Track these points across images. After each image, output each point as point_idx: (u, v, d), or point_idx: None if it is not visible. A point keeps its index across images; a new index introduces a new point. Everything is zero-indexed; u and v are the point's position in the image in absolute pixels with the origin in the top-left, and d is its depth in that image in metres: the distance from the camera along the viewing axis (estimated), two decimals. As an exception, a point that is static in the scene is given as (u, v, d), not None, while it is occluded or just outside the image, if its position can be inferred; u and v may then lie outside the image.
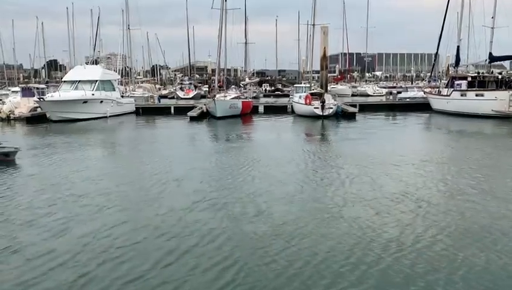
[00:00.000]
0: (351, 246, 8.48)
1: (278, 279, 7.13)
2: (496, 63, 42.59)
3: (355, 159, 17.48)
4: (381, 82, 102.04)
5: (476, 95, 35.23)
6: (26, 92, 39.28)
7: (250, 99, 43.31)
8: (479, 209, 10.73)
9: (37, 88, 41.81)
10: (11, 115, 35.36)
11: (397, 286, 6.92)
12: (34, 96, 37.05)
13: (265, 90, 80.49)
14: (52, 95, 34.73)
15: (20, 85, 50.04)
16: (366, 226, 9.52)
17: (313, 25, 44.70)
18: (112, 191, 12.66)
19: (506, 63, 75.63)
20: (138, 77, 77.96)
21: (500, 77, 36.89)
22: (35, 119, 33.98)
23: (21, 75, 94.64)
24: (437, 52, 47.44)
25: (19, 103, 36.97)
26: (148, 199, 11.76)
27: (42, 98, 34.06)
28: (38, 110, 35.02)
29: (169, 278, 7.13)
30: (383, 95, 61.88)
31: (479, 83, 36.43)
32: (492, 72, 38.45)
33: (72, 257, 7.93)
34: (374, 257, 7.95)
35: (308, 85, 43.31)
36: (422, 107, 41.66)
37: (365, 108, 42.35)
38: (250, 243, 8.64)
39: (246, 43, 61.75)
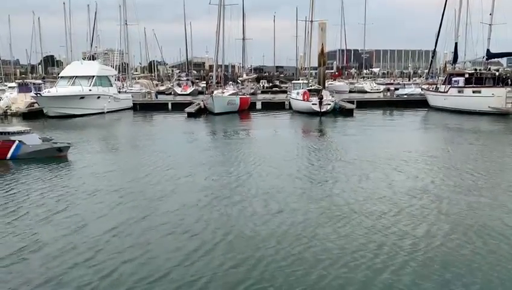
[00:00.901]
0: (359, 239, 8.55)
1: (286, 273, 7.19)
2: (493, 60, 42.69)
3: (352, 155, 17.53)
4: (378, 79, 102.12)
5: (473, 92, 35.30)
6: (23, 88, 39.07)
7: (248, 96, 43.27)
8: (480, 203, 10.83)
9: (34, 84, 41.61)
10: (8, 111, 35.20)
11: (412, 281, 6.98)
12: (30, 91, 36.86)
13: (263, 86, 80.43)
14: (49, 91, 34.58)
15: (16, 81, 49.80)
16: (372, 220, 9.59)
17: (311, 21, 44.50)
18: (131, 189, 12.71)
19: (504, 60, 75.82)
20: (135, 72, 77.69)
21: (497, 73, 36.99)
22: (32, 115, 33.84)
23: (18, 70, 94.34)
24: (435, 49, 47.59)
25: (15, 99, 36.80)
26: (157, 196, 11.83)
27: (39, 93, 33.92)
28: (36, 105, 34.89)
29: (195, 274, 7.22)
30: (380, 92, 61.89)
31: (476, 80, 36.49)
32: (489, 69, 38.53)
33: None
34: (379, 252, 8.02)
35: (306, 81, 43.25)
36: (419, 103, 41.72)
37: (363, 104, 42.37)
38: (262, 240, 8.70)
39: (243, 39, 61.58)
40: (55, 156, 16.75)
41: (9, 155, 16.54)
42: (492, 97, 33.65)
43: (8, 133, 16.82)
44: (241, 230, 9.17)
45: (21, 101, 35.98)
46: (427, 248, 8.15)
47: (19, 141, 16.65)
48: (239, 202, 11.08)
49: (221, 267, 7.44)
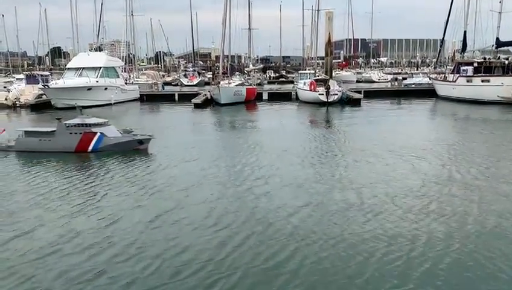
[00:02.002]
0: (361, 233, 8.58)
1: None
2: (502, 48, 42.07)
3: (360, 145, 17.50)
4: (386, 68, 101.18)
5: (482, 81, 34.91)
6: (31, 80, 39.31)
7: (254, 86, 43.14)
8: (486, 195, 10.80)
9: (41, 75, 41.80)
10: (16, 102, 35.47)
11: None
12: (38, 83, 37.07)
13: (270, 76, 80.00)
14: (56, 82, 34.74)
15: (24, 72, 50.02)
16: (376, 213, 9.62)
17: (318, 10, 44.35)
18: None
19: (514, 49, 74.70)
20: (142, 64, 77.70)
21: (506, 62, 36.47)
22: (40, 107, 34.08)
23: (25, 62, 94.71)
24: (443, 38, 46.94)
25: (23, 90, 37.02)
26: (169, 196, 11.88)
27: (47, 85, 34.08)
28: (44, 97, 35.09)
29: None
30: (388, 81, 61.29)
31: (485, 69, 36.05)
32: (499, 58, 38.01)
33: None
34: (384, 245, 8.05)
35: (313, 71, 43.03)
36: (427, 93, 41.37)
37: (370, 94, 42.11)
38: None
39: (249, 29, 60.96)
40: (135, 149, 16.47)
41: (90, 147, 16.25)
42: (501, 86, 33.26)
43: (90, 124, 16.47)
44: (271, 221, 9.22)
45: (29, 92, 36.20)
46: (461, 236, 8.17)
47: (101, 133, 16.33)
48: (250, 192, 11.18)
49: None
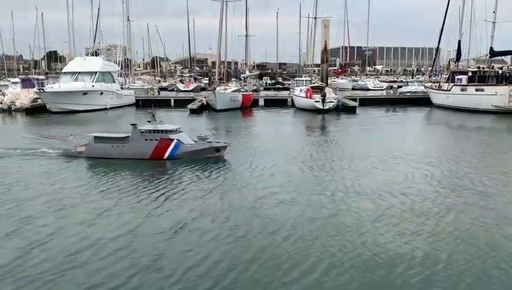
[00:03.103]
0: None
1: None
2: (496, 58, 42.46)
3: (354, 152, 17.56)
4: (381, 76, 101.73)
5: (476, 90, 35.20)
6: (26, 83, 39.21)
7: (250, 92, 43.22)
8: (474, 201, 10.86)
9: (37, 79, 41.69)
10: (12, 106, 35.34)
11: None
12: (34, 87, 36.96)
13: (266, 83, 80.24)
14: (52, 86, 34.68)
15: (20, 76, 49.85)
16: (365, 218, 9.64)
17: (315, 18, 44.47)
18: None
19: (507, 58, 75.37)
20: (138, 68, 77.69)
21: (500, 72, 36.81)
22: (35, 111, 33.97)
23: (21, 66, 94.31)
24: (438, 47, 47.36)
25: (19, 94, 36.90)
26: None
27: (42, 89, 34.01)
28: (39, 101, 34.99)
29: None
30: (383, 89, 61.71)
31: (479, 78, 36.37)
32: (493, 67, 38.35)
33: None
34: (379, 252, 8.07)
35: (309, 78, 43.19)
36: (422, 101, 41.62)
37: (365, 102, 42.30)
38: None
39: (246, 35, 61.14)
40: (212, 156, 16.02)
41: (166, 154, 15.75)
42: (495, 95, 33.54)
43: (167, 131, 15.96)
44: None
45: (24, 96, 36.11)
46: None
47: (177, 139, 15.85)
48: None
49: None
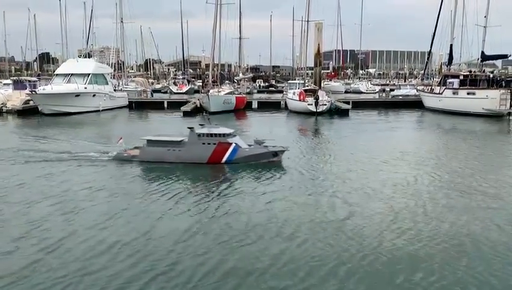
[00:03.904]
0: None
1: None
2: (488, 62, 42.92)
3: (348, 154, 17.67)
4: (374, 79, 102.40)
5: (468, 94, 35.53)
6: (18, 85, 38.93)
7: (244, 95, 43.29)
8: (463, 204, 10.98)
9: (29, 81, 41.42)
10: (3, 108, 35.07)
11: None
12: (25, 89, 36.73)
13: (259, 85, 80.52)
14: (44, 88, 34.46)
15: (11, 78, 49.49)
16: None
17: (307, 21, 44.62)
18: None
19: (498, 62, 76.39)
20: (131, 71, 77.45)
21: (491, 75, 37.20)
22: (27, 112, 33.75)
23: (13, 67, 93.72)
24: (430, 50, 47.73)
25: (10, 96, 36.64)
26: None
27: (34, 91, 33.79)
28: (31, 103, 34.75)
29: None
30: (376, 92, 62.13)
31: (470, 82, 36.71)
32: (484, 71, 38.75)
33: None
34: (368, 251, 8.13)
35: (302, 81, 43.34)
36: (414, 104, 41.93)
37: (358, 105, 42.52)
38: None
39: (240, 38, 61.33)
40: (269, 161, 15.68)
41: (224, 159, 15.41)
42: (486, 99, 33.85)
43: (225, 135, 15.60)
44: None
45: (16, 98, 35.84)
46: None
47: (236, 143, 15.53)
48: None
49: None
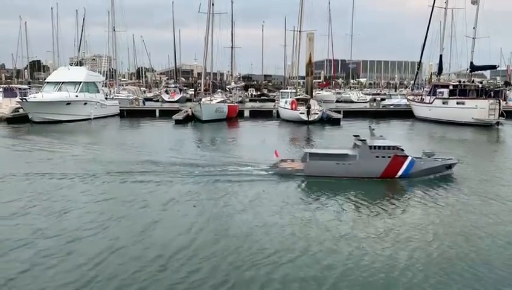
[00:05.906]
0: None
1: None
2: (477, 72, 43.53)
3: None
4: (365, 89, 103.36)
5: (457, 103, 35.96)
6: (8, 93, 38.63)
7: (236, 104, 43.37)
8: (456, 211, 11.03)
9: (20, 89, 41.14)
10: (-8, 116, 34.68)
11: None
12: (16, 96, 36.44)
13: (251, 94, 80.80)
14: (34, 96, 34.22)
15: (1, 85, 49.18)
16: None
17: (299, 31, 45.06)
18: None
19: (487, 73, 77.52)
20: (123, 79, 77.34)
21: (480, 86, 37.72)
22: (17, 120, 33.41)
23: (3, 75, 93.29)
24: (420, 61, 48.33)
25: (0, 104, 36.30)
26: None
27: (24, 98, 33.52)
28: (21, 111, 34.46)
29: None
30: (367, 102, 62.56)
31: (460, 92, 37.19)
32: (473, 81, 39.30)
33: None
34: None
35: (294, 90, 43.58)
36: (405, 114, 42.25)
37: (349, 114, 42.74)
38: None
39: (232, 47, 61.87)
40: (443, 174, 14.99)
41: (399, 173, 14.52)
42: (475, 109, 34.30)
43: (399, 147, 14.69)
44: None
45: (6, 106, 35.50)
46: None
47: (412, 157, 14.67)
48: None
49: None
